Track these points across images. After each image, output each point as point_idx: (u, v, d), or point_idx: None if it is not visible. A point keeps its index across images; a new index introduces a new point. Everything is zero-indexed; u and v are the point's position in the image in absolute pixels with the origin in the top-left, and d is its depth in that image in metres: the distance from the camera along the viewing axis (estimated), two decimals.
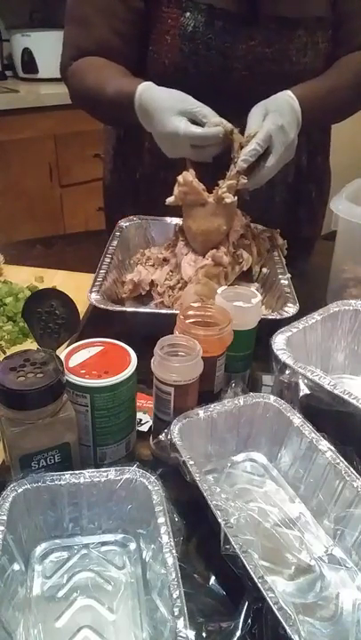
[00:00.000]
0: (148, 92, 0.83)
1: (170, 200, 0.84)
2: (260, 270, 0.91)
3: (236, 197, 0.82)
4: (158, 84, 0.84)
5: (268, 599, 0.41)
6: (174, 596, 0.40)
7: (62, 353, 0.55)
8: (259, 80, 0.89)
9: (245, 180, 0.81)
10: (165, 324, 0.63)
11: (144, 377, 0.58)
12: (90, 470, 0.50)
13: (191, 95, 0.82)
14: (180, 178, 0.82)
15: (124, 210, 1.05)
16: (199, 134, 0.79)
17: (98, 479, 0.49)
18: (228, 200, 0.81)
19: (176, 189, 0.83)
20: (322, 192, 1.14)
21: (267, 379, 0.73)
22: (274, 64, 0.90)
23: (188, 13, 0.86)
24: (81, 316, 0.69)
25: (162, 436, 0.55)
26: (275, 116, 0.81)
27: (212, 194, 0.82)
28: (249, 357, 0.70)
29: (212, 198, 0.82)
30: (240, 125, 0.82)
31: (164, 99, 0.82)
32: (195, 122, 0.81)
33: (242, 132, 0.82)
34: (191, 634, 0.39)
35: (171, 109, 0.80)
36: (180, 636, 0.38)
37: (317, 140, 1.07)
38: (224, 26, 0.87)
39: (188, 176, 0.82)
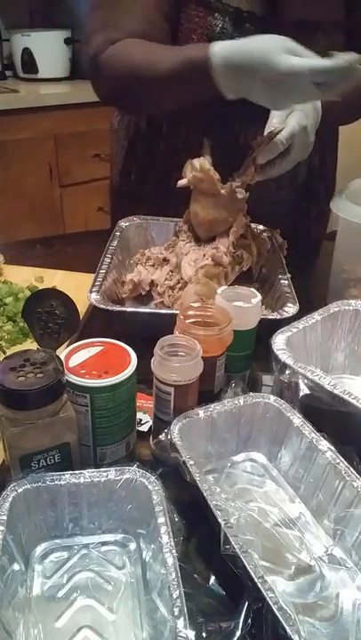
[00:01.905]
0: (231, 46, 0.74)
1: (182, 182, 0.83)
2: (260, 270, 0.91)
3: (247, 193, 0.82)
4: None
5: (268, 599, 0.41)
6: (174, 595, 0.40)
7: (62, 353, 0.55)
8: None
9: (258, 178, 0.81)
10: (165, 324, 0.63)
11: (144, 377, 0.58)
12: (90, 470, 0.50)
13: (214, 96, 0.77)
14: (195, 162, 0.81)
15: (134, 211, 1.04)
16: (326, 66, 0.67)
17: (98, 479, 0.49)
18: (240, 196, 0.81)
19: (189, 173, 0.82)
20: (329, 192, 1.14)
21: (267, 379, 0.73)
22: None
23: (216, 14, 0.86)
24: (81, 316, 0.69)
25: (162, 436, 0.55)
26: (300, 116, 0.80)
27: (225, 184, 0.82)
28: (249, 357, 0.70)
29: (225, 191, 0.82)
30: (261, 127, 0.82)
31: (259, 42, 0.72)
32: None
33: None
34: (191, 634, 0.39)
35: (276, 49, 0.69)
36: (180, 636, 0.38)
37: (327, 140, 1.07)
38: (250, 28, 0.87)
39: (206, 163, 0.81)
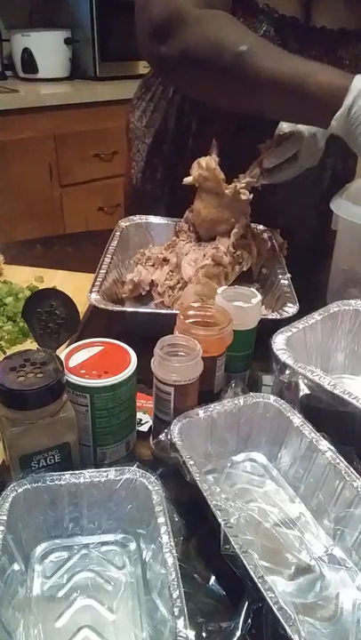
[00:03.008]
0: None
1: (187, 180, 0.83)
2: (260, 270, 0.91)
3: (251, 195, 0.82)
4: None
5: (268, 599, 0.41)
6: (174, 595, 0.40)
7: (62, 353, 0.55)
8: None
9: (265, 181, 0.81)
10: (165, 324, 0.63)
11: (144, 377, 0.58)
12: (90, 470, 0.50)
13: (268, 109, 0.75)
14: (202, 161, 0.81)
15: (153, 210, 1.03)
16: None
17: (98, 479, 0.49)
18: (243, 197, 0.81)
19: (195, 171, 0.82)
20: None
21: (267, 379, 0.73)
22: None
23: (261, 16, 0.85)
24: (81, 316, 0.69)
25: (162, 436, 0.55)
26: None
27: (230, 185, 0.82)
28: (249, 357, 0.70)
29: (229, 191, 0.82)
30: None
31: None
32: None
33: None
34: (191, 634, 0.39)
35: None
36: (180, 636, 0.38)
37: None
38: (292, 34, 0.86)
39: (212, 162, 0.81)
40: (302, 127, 0.80)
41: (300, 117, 0.76)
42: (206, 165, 0.81)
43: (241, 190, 0.81)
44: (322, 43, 0.87)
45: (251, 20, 0.85)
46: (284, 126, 0.82)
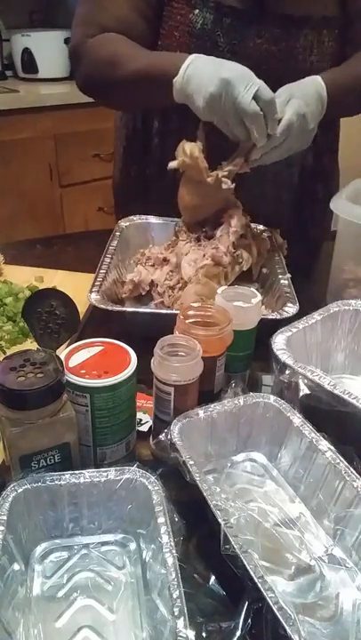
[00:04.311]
0: (206, 59, 0.79)
1: (172, 164, 0.83)
2: (260, 270, 0.91)
3: (233, 184, 0.82)
4: None
5: (268, 599, 0.41)
6: (174, 596, 0.40)
7: (62, 353, 0.55)
8: (265, 78, 0.88)
9: (248, 170, 0.81)
10: (165, 324, 0.63)
11: (144, 377, 0.58)
12: (90, 470, 0.50)
13: (144, 101, 0.82)
14: (186, 147, 0.80)
15: (134, 209, 1.04)
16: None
17: (98, 479, 0.49)
18: (225, 186, 0.81)
19: (180, 157, 0.82)
20: (330, 193, 1.14)
21: (267, 379, 0.73)
22: (281, 62, 0.90)
23: (196, 10, 0.86)
24: (81, 316, 0.69)
25: (162, 436, 0.55)
26: (299, 104, 0.79)
27: (212, 172, 0.82)
28: (249, 357, 0.70)
29: (211, 179, 0.81)
30: None
31: (228, 70, 0.76)
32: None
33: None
34: (191, 634, 0.39)
35: (243, 86, 0.74)
36: (180, 636, 0.38)
37: (323, 140, 1.07)
38: (232, 23, 0.87)
39: (195, 150, 0.80)
40: (290, 110, 0.79)
41: (161, 99, 0.84)
42: (190, 153, 0.80)
43: (223, 179, 0.81)
44: (266, 31, 0.88)
45: (187, 14, 0.87)
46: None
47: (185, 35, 0.88)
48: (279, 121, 0.78)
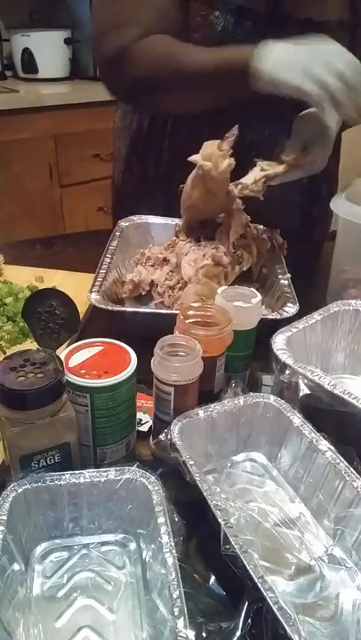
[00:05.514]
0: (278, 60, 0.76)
1: (194, 158, 0.80)
2: (260, 270, 0.91)
3: (242, 204, 0.83)
4: None
5: (268, 599, 0.41)
6: (174, 596, 0.40)
7: (62, 353, 0.55)
8: None
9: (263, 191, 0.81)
10: (165, 324, 0.63)
11: (144, 377, 0.58)
12: (90, 470, 0.50)
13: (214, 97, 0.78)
14: (220, 162, 0.77)
15: (136, 211, 1.04)
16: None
17: (98, 479, 0.49)
18: (235, 207, 0.81)
19: (206, 162, 0.78)
20: (331, 193, 1.14)
21: (267, 379, 0.73)
22: None
23: (217, 12, 0.86)
24: (81, 316, 0.69)
25: (162, 436, 0.55)
26: (327, 144, 0.80)
27: (230, 186, 0.81)
28: (249, 357, 0.70)
29: (223, 195, 0.81)
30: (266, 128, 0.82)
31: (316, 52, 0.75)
32: None
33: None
34: (191, 634, 0.39)
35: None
36: (180, 636, 0.38)
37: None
38: (252, 26, 0.86)
39: (226, 165, 0.78)
40: (318, 158, 0.79)
41: (236, 92, 0.80)
42: (220, 167, 0.78)
43: (236, 197, 0.81)
44: (286, 35, 0.85)
45: (208, 15, 0.86)
46: (295, 145, 0.80)
47: (205, 37, 0.87)
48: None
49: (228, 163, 0.78)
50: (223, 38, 0.86)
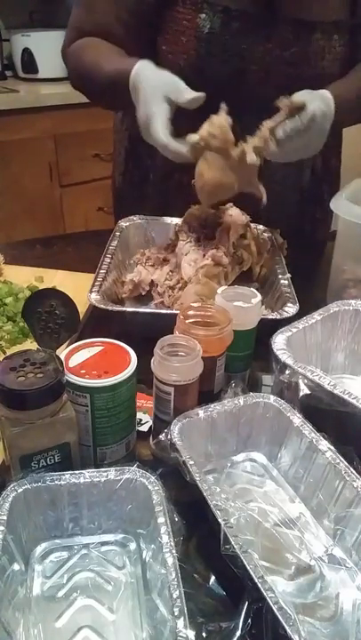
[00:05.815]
0: (142, 70, 0.81)
1: (193, 137, 0.78)
2: (260, 270, 0.92)
3: (259, 162, 0.78)
4: None
5: (268, 599, 0.41)
6: (174, 595, 0.40)
7: (62, 353, 0.55)
8: (275, 83, 0.87)
9: (274, 149, 0.78)
10: (165, 324, 0.63)
11: (144, 377, 0.58)
12: (90, 470, 0.50)
13: (206, 96, 0.77)
14: (214, 119, 0.77)
15: (136, 211, 1.04)
16: (168, 145, 0.78)
17: (98, 479, 0.49)
18: (249, 160, 0.76)
19: (205, 129, 0.77)
20: (332, 194, 1.14)
21: (267, 379, 0.73)
22: (291, 67, 0.89)
23: (203, 15, 0.85)
24: (81, 316, 0.69)
25: (162, 436, 0.55)
26: (319, 103, 0.79)
27: (237, 146, 0.78)
28: (249, 357, 0.70)
29: (235, 153, 0.77)
30: (253, 129, 0.79)
31: (153, 79, 0.80)
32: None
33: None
34: (191, 634, 0.39)
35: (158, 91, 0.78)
36: (180, 636, 0.38)
37: (331, 142, 1.07)
38: (241, 27, 0.86)
39: (224, 121, 0.76)
40: (314, 105, 0.77)
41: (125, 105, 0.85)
42: (218, 123, 0.76)
43: (248, 152, 0.76)
44: (276, 35, 0.86)
45: (194, 18, 0.86)
46: (296, 98, 0.79)
47: (192, 39, 0.87)
48: (303, 108, 0.77)
49: (221, 117, 0.76)
50: (211, 40, 0.86)
